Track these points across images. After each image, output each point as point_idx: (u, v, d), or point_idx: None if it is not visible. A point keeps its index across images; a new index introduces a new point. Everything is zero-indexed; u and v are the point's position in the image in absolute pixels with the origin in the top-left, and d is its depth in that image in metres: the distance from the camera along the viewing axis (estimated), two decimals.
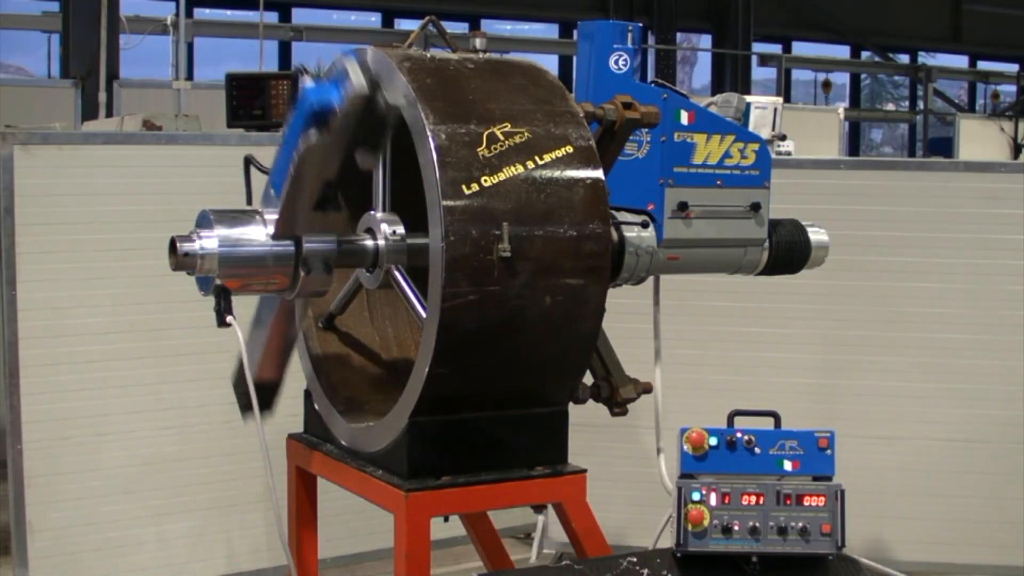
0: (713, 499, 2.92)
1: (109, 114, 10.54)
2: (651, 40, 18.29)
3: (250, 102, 5.52)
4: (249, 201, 3.17)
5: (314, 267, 3.00)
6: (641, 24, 4.80)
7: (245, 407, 3.19)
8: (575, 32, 3.87)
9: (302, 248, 2.99)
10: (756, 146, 3.44)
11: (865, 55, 22.83)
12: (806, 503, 2.92)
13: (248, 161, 3.18)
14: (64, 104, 11.40)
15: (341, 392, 3.43)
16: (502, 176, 2.90)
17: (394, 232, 3.13)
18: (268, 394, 3.23)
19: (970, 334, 5.17)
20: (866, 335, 5.20)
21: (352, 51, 2.99)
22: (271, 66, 15.68)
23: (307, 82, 2.89)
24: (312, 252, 3.00)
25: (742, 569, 2.92)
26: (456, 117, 2.92)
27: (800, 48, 22.03)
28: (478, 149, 2.90)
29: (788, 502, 2.92)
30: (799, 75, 21.98)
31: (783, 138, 5.92)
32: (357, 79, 2.85)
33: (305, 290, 3.07)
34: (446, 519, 3.24)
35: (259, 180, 3.15)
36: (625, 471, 5.18)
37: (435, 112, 2.90)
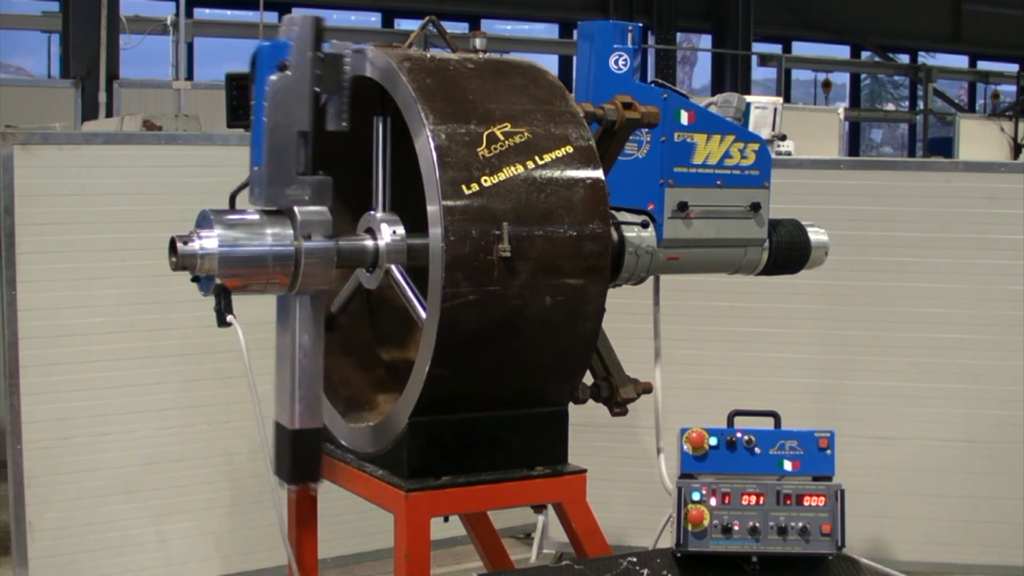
0: (713, 499, 2.92)
1: (109, 114, 10.55)
2: (651, 40, 18.29)
3: (250, 102, 5.51)
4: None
5: (314, 234, 2.96)
6: (641, 24, 4.79)
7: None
8: (575, 32, 3.87)
9: (295, 216, 2.96)
10: (756, 146, 3.45)
11: (865, 55, 22.83)
12: (806, 503, 2.92)
13: (233, 196, 3.13)
14: (64, 104, 11.38)
15: (341, 392, 3.43)
16: (502, 176, 2.90)
17: (394, 232, 3.13)
18: (313, 447, 3.08)
19: (970, 334, 5.17)
20: (866, 335, 5.20)
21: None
22: None
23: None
24: (308, 220, 2.96)
25: (742, 569, 2.92)
26: (456, 117, 2.92)
27: (800, 48, 22.03)
28: (478, 149, 2.90)
29: (788, 502, 2.92)
30: (799, 75, 21.97)
31: (783, 138, 5.92)
32: (301, 16, 2.89)
33: (307, 286, 3.05)
34: (446, 519, 3.24)
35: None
36: (625, 471, 5.18)
37: (435, 112, 2.90)
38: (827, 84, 19.73)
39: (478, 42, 3.23)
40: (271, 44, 2.92)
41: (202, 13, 16.36)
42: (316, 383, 3.06)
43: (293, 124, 2.92)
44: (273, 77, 2.90)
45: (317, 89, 2.94)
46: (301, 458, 3.06)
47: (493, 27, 18.82)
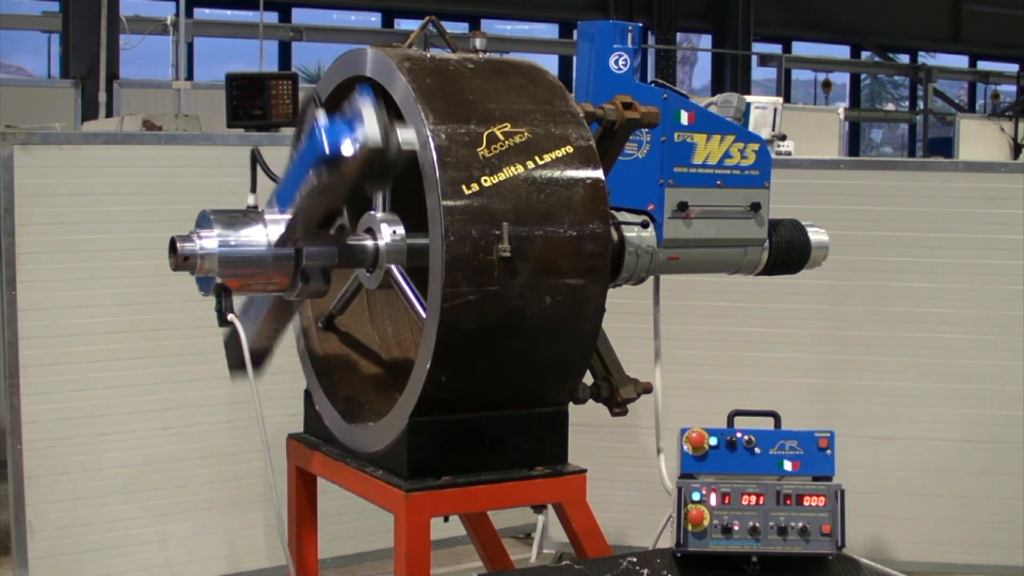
0: (713, 499, 2.92)
1: (109, 114, 10.54)
2: (651, 40, 18.29)
3: (250, 102, 5.51)
4: (253, 189, 3.13)
5: (313, 278, 3.01)
6: (641, 24, 4.79)
7: (234, 365, 3.14)
8: (575, 32, 3.87)
9: (302, 259, 2.99)
10: (756, 146, 3.45)
11: (865, 55, 22.83)
12: (806, 503, 2.92)
13: (255, 155, 3.16)
14: (64, 104, 11.37)
15: (341, 392, 3.43)
16: (502, 176, 2.90)
17: (394, 232, 3.13)
18: (259, 358, 3.20)
19: (969, 334, 5.17)
20: (866, 335, 5.20)
21: (367, 90, 2.89)
22: (271, 66, 15.70)
23: (320, 117, 2.83)
24: (312, 266, 3.00)
25: (742, 569, 2.92)
26: (456, 117, 2.92)
27: (800, 48, 22.02)
28: (478, 149, 2.90)
29: (788, 502, 2.92)
30: (799, 75, 21.98)
31: (783, 138, 5.91)
32: (371, 130, 2.81)
33: (305, 292, 3.07)
34: (446, 519, 3.24)
35: (263, 179, 3.15)
36: (625, 471, 5.18)
37: (435, 112, 2.90)
38: (827, 84, 19.73)
39: (478, 42, 3.23)
40: (334, 140, 2.81)
41: (202, 13, 16.36)
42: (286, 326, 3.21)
43: (330, 204, 2.98)
44: (323, 174, 2.85)
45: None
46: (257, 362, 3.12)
47: (493, 27, 18.82)
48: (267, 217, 3.01)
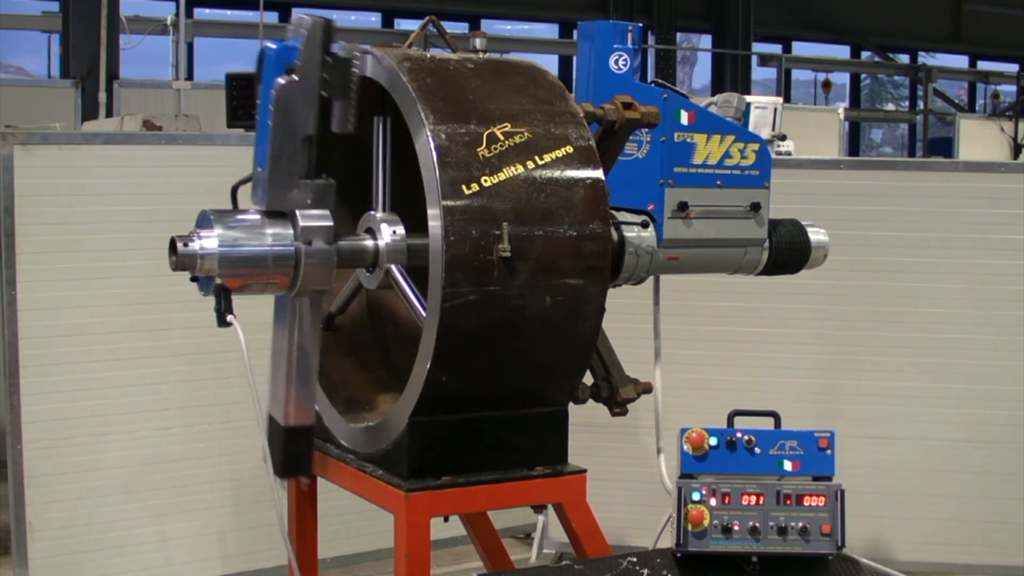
0: (713, 499, 2.92)
1: (109, 114, 10.55)
2: (651, 40, 18.30)
3: (250, 102, 5.51)
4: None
5: (315, 239, 2.97)
6: (641, 24, 4.79)
7: (280, 471, 3.11)
8: (575, 32, 3.87)
9: (297, 220, 2.96)
10: (756, 146, 3.45)
11: (865, 55, 22.84)
12: (806, 503, 2.92)
13: (235, 189, 3.13)
14: (64, 104, 11.39)
15: (341, 392, 3.43)
16: (502, 176, 2.90)
17: (394, 232, 3.13)
18: (304, 442, 3.14)
19: (969, 334, 5.18)
20: (866, 335, 5.21)
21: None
22: None
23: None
24: (311, 227, 2.96)
25: (742, 569, 2.92)
26: (456, 117, 2.92)
27: (800, 48, 22.03)
28: (478, 149, 2.90)
29: (788, 502, 2.92)
30: (799, 75, 21.98)
31: (783, 138, 5.92)
32: (313, 19, 2.85)
33: (306, 287, 3.05)
34: (446, 519, 3.24)
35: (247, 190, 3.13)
36: (625, 471, 5.18)
37: (435, 112, 2.90)
38: (827, 84, 19.73)
39: (478, 42, 3.23)
40: (279, 46, 2.89)
41: (202, 13, 16.37)
42: (310, 381, 3.07)
43: (298, 129, 2.90)
44: (280, 80, 2.87)
45: (324, 94, 2.92)
46: (291, 453, 3.07)
47: (493, 27, 18.83)
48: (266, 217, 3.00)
